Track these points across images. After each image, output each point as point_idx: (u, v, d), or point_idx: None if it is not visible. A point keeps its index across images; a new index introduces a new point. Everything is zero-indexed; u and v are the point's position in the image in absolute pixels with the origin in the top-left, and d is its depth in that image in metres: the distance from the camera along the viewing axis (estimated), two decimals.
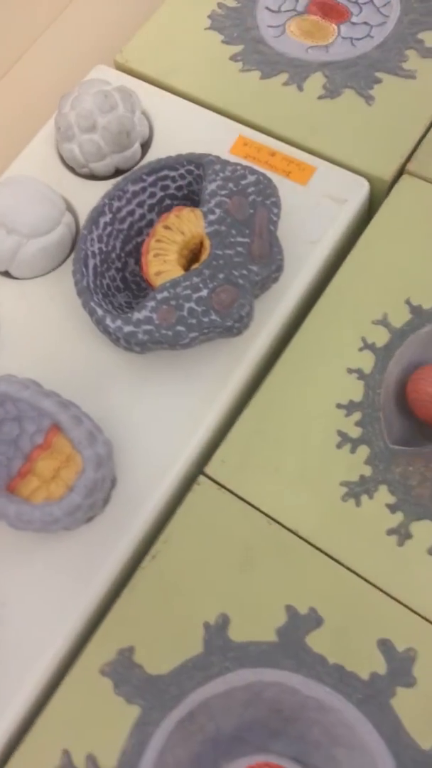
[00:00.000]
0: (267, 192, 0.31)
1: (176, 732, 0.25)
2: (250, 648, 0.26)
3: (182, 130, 0.37)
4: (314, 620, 0.26)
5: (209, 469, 0.29)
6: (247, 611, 0.27)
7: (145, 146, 0.37)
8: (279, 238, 0.32)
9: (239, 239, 0.30)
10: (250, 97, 0.37)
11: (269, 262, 0.30)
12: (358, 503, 0.28)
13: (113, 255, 0.33)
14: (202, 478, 0.29)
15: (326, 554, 0.27)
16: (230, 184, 0.31)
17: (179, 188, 0.33)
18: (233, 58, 0.39)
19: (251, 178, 0.31)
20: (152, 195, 0.33)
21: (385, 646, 0.25)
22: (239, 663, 0.26)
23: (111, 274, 0.33)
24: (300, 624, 0.26)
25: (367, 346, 0.30)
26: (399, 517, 0.27)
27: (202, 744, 0.26)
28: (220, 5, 0.40)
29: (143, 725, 0.26)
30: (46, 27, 0.46)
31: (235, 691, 0.26)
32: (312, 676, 0.25)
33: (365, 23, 0.39)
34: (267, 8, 0.40)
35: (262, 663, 0.26)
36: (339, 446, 0.29)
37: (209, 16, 0.40)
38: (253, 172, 0.32)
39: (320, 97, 0.36)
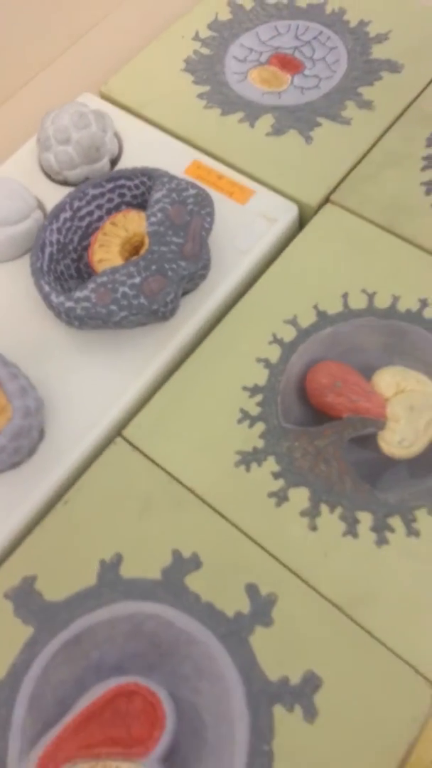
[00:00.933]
0: (203, 204, 0.36)
1: (61, 653, 0.29)
2: (137, 584, 0.30)
3: (147, 152, 0.42)
4: (194, 563, 0.30)
5: (126, 432, 0.33)
6: (139, 553, 0.30)
7: (115, 162, 0.42)
8: (213, 244, 0.38)
9: (174, 240, 0.35)
10: (209, 130, 0.43)
11: (197, 261, 0.35)
12: (248, 469, 0.32)
13: (70, 247, 0.38)
14: (118, 439, 0.33)
15: (215, 510, 0.31)
16: (173, 194, 0.36)
17: (134, 196, 0.39)
18: (200, 96, 0.45)
19: (192, 192, 0.37)
20: (110, 200, 0.38)
21: (251, 589, 0.29)
22: (125, 596, 0.29)
23: (66, 263, 0.38)
24: (182, 566, 0.30)
25: (276, 340, 0.35)
26: (280, 483, 0.31)
27: (85, 670, 0.29)
28: (195, 52, 0.47)
29: (33, 644, 0.29)
30: (52, 61, 0.52)
31: (117, 621, 0.29)
32: (186, 611, 0.29)
33: (316, 76, 0.45)
34: (234, 57, 0.46)
35: (145, 597, 0.29)
36: (240, 422, 0.33)
37: (185, 60, 0.46)
38: (194, 187, 0.37)
39: (268, 134, 0.42)
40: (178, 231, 0.35)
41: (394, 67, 0.44)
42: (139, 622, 0.29)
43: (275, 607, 0.28)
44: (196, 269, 0.35)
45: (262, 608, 0.28)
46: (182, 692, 0.29)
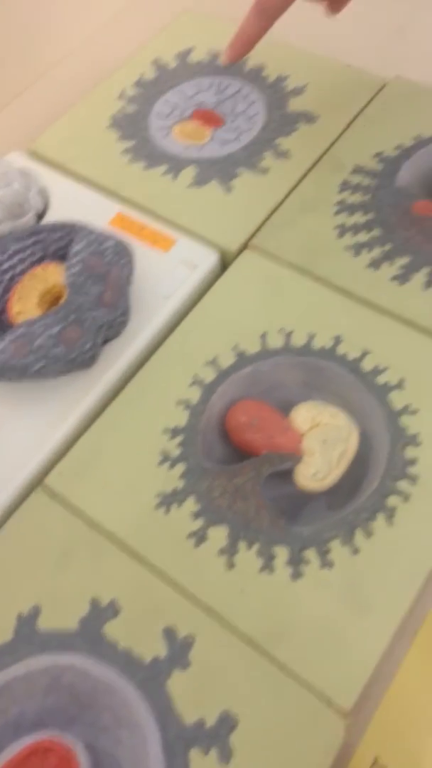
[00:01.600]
0: (122, 254, 0.38)
1: None
2: (54, 635, 0.29)
3: (74, 206, 0.44)
4: (112, 610, 0.30)
5: (48, 480, 0.33)
6: (57, 603, 0.30)
7: (41, 217, 0.44)
8: (136, 292, 0.39)
9: (93, 289, 0.36)
10: (133, 183, 0.45)
11: (116, 309, 0.36)
12: (168, 511, 0.32)
13: None
14: (39, 488, 0.33)
15: (134, 554, 0.31)
16: (93, 246, 0.37)
17: (56, 250, 0.40)
18: (125, 151, 0.46)
19: (111, 243, 0.38)
20: (33, 254, 0.39)
21: (168, 633, 0.29)
22: (41, 649, 0.29)
23: None
24: (100, 614, 0.29)
25: (197, 382, 0.36)
26: (200, 522, 0.31)
27: (3, 727, 0.29)
28: (121, 109, 0.49)
29: None
30: None
31: (35, 675, 0.29)
32: (103, 660, 0.29)
33: (236, 129, 0.47)
34: (159, 114, 0.49)
35: (62, 649, 0.29)
36: (160, 464, 0.33)
37: (112, 117, 0.48)
38: (113, 238, 0.38)
39: (189, 186, 0.44)
40: (97, 281, 0.36)
41: (309, 119, 0.46)
42: (57, 675, 0.29)
43: (192, 649, 0.28)
44: (114, 317, 0.36)
45: (179, 651, 0.28)
46: (102, 743, 0.28)
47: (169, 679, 0.28)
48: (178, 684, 0.28)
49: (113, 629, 0.29)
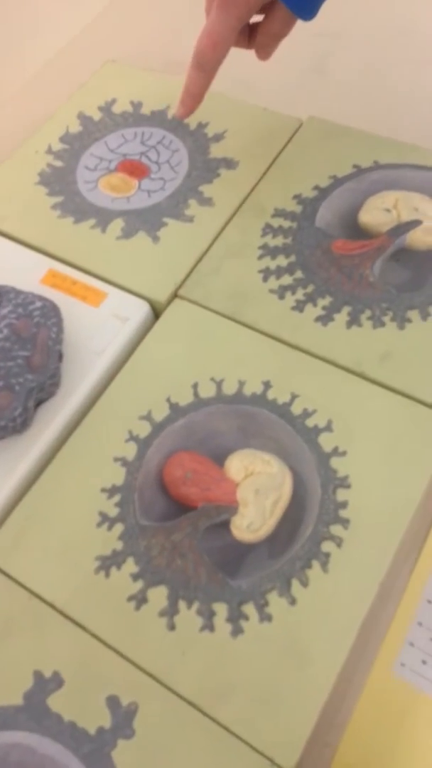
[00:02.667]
0: (50, 315, 0.38)
1: None
2: None
3: (4, 265, 0.44)
4: (56, 682, 0.29)
5: None
6: (0, 678, 0.30)
7: None
8: (69, 350, 0.39)
9: (21, 353, 0.36)
10: (63, 238, 0.45)
11: (45, 372, 0.36)
12: (107, 575, 0.32)
13: None
14: None
15: (75, 622, 0.31)
16: (20, 309, 0.38)
17: None
18: (54, 207, 0.47)
19: (38, 304, 0.38)
20: None
21: (112, 701, 0.29)
22: None
23: None
24: (44, 687, 0.29)
25: (132, 437, 0.36)
26: (139, 584, 0.31)
27: None
28: (48, 165, 0.49)
29: None
30: None
31: None
32: (48, 735, 0.28)
33: (161, 178, 0.48)
34: (86, 167, 0.49)
35: (7, 726, 0.29)
36: (99, 525, 0.33)
37: (39, 174, 0.49)
38: (41, 299, 0.38)
39: (118, 238, 0.44)
40: (24, 344, 0.36)
41: (230, 164, 0.47)
42: (4, 754, 0.28)
43: (136, 716, 0.28)
44: (44, 380, 0.36)
45: (123, 720, 0.28)
46: None
47: (115, 750, 0.28)
48: (124, 753, 0.27)
49: (57, 702, 0.29)
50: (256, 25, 0.40)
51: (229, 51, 0.38)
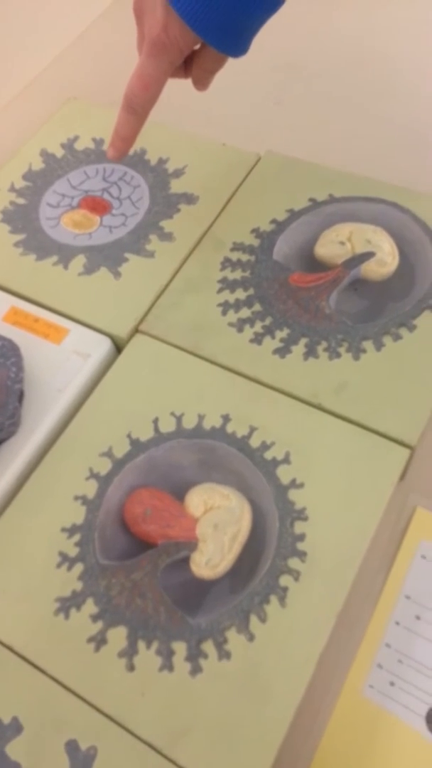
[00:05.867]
0: (8, 355, 0.38)
1: None
2: None
3: None
4: (15, 728, 0.29)
5: None
6: None
7: None
8: (31, 388, 0.39)
9: None
10: (25, 275, 0.45)
11: (3, 412, 0.36)
12: (67, 616, 0.32)
13: None
14: None
15: (34, 666, 0.30)
16: None
17: None
18: (16, 244, 0.47)
19: None
20: None
21: (71, 746, 0.28)
22: None
23: None
24: (2, 734, 0.29)
25: (93, 475, 0.36)
26: (99, 625, 0.31)
27: None
28: (11, 203, 0.50)
29: None
30: None
31: None
32: None
33: (122, 214, 0.48)
34: (48, 204, 0.50)
35: None
36: (59, 566, 0.33)
37: (2, 212, 0.49)
38: (0, 338, 0.39)
39: (80, 274, 0.45)
40: None
41: (190, 200, 0.48)
42: None
43: (96, 760, 0.28)
44: (3, 420, 0.36)
45: (82, 765, 0.28)
46: None
47: None
48: None
49: (16, 749, 0.29)
50: (191, 57, 0.40)
51: (161, 92, 0.38)
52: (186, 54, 0.35)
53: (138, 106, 0.38)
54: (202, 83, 0.40)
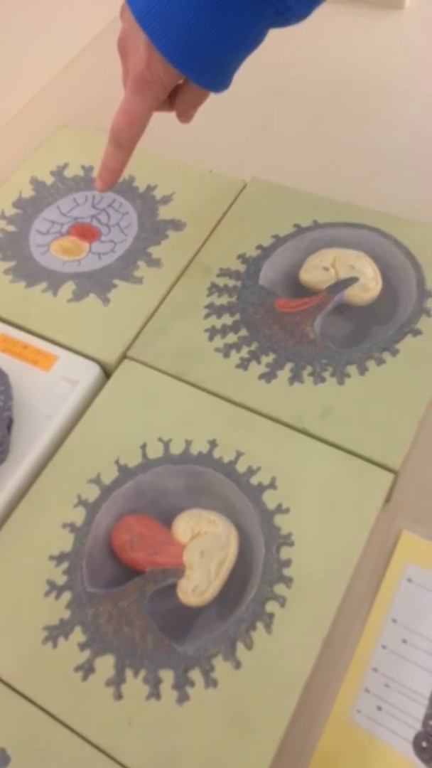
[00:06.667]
0: None
1: None
2: None
3: None
4: (2, 760, 0.29)
5: None
6: None
7: None
8: (20, 415, 0.40)
9: None
10: (15, 302, 0.46)
11: None
12: (54, 645, 0.32)
13: None
14: None
15: (22, 695, 0.31)
16: None
17: None
18: (6, 271, 0.48)
19: None
20: None
21: None
22: None
23: None
24: None
25: (81, 502, 0.36)
26: (87, 654, 0.31)
27: None
28: (2, 230, 0.51)
29: None
30: None
31: None
32: None
33: (111, 241, 0.49)
34: (38, 231, 0.50)
35: None
36: (47, 594, 0.33)
37: None
38: None
39: (69, 300, 0.45)
40: None
41: (177, 226, 0.49)
42: None
43: None
44: None
45: None
46: None
47: None
48: None
49: None
50: (176, 90, 0.40)
51: (146, 126, 0.39)
52: (169, 89, 0.36)
53: (124, 141, 0.39)
54: (185, 116, 0.41)
